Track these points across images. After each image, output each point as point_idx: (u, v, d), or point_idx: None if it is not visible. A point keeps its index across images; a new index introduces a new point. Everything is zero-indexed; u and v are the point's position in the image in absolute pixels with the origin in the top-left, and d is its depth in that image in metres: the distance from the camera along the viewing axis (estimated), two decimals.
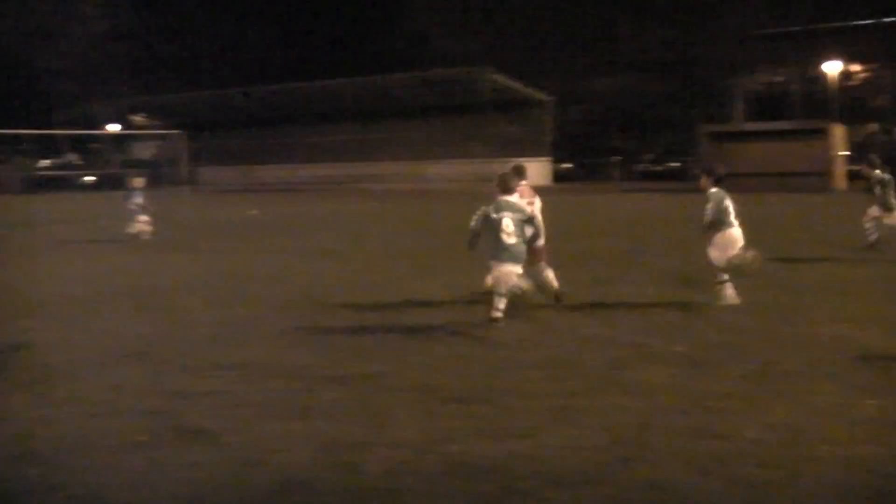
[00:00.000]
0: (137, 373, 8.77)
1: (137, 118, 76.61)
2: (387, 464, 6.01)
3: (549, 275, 11.77)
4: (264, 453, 6.28)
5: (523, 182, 12.01)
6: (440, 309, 11.81)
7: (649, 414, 6.94)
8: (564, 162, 55.28)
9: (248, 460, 6.16)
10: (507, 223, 10.63)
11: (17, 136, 64.83)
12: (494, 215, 10.76)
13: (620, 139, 64.16)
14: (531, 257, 11.19)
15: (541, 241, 11.48)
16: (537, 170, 51.21)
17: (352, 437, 6.59)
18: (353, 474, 5.86)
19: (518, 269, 10.59)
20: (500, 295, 10.45)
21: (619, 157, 55.85)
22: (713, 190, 11.61)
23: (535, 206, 11.81)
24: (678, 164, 54.06)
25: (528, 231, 10.87)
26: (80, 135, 72.20)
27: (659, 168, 55.52)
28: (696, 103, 57.62)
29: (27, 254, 20.71)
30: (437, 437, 6.53)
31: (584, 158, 57.85)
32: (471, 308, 11.78)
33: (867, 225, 17.12)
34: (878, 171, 17.02)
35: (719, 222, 11.46)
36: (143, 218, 23.38)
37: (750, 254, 11.31)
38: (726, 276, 11.45)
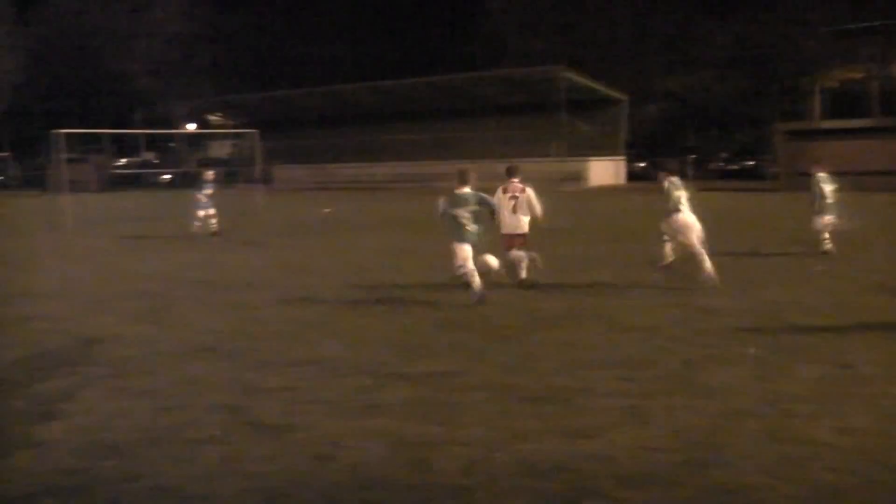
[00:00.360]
0: (211, 367, 8.87)
1: (213, 117, 77.53)
2: (458, 461, 6.01)
3: (522, 262, 13.39)
4: (336, 449, 6.32)
5: (515, 179, 13.86)
6: (515, 308, 11.78)
7: (722, 416, 6.86)
8: (639, 161, 54.81)
9: (320, 456, 6.20)
10: (462, 214, 12.20)
11: (95, 136, 65.96)
12: (450, 211, 12.33)
13: (695, 137, 63.51)
14: (515, 242, 13.39)
15: (523, 230, 13.52)
16: (611, 169, 50.90)
17: (423, 434, 6.60)
18: (424, 471, 5.87)
19: (473, 248, 12.13)
20: (470, 270, 11.94)
21: (693, 156, 55.22)
22: (666, 183, 13.47)
23: (529, 193, 13.73)
24: (753, 163, 53.32)
25: (479, 222, 12.36)
26: (157, 134, 73.28)
27: (734, 167, 54.81)
28: (772, 101, 56.77)
29: (104, 250, 21.03)
30: (508, 435, 6.51)
31: (658, 157, 57.32)
32: (546, 308, 11.76)
33: None
34: None
35: (673, 209, 13.25)
36: (210, 212, 23.76)
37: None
38: (702, 249, 13.06)
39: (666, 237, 13.70)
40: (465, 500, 5.44)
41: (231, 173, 54.62)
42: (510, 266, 13.31)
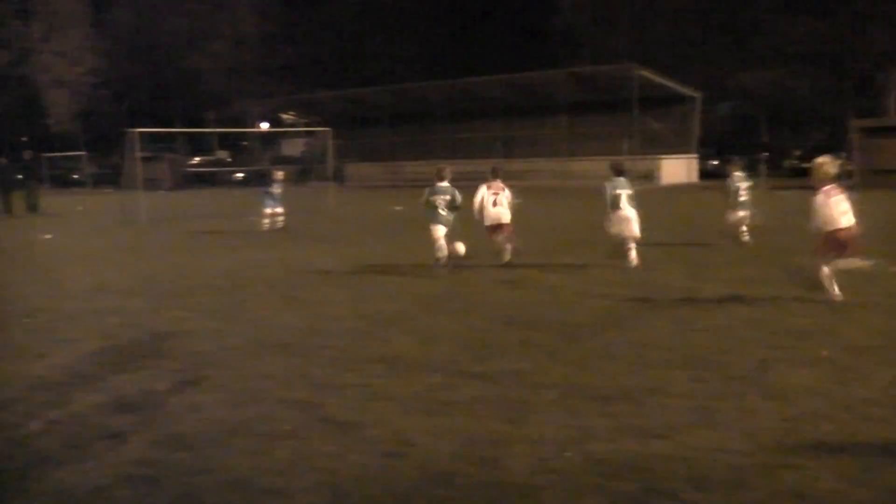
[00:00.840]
0: (284, 363, 8.93)
1: (286, 116, 78.18)
2: (528, 460, 5.97)
3: (507, 246, 16.02)
4: (407, 446, 6.32)
5: (497, 180, 16.58)
6: (586, 307, 11.73)
7: (794, 419, 6.73)
8: (711, 158, 54.12)
9: (391, 453, 6.20)
10: (439, 201, 15.50)
11: (169, 134, 66.85)
12: (430, 198, 15.64)
13: (769, 135, 62.64)
14: (498, 231, 16.04)
15: (505, 220, 16.10)
16: (683, 166, 50.39)
17: (493, 432, 6.57)
18: (493, 469, 5.84)
19: (445, 230, 15.35)
20: (440, 245, 15.18)
21: (766, 154, 54.41)
22: (608, 182, 15.95)
23: (507, 191, 16.40)
24: None
25: (454, 209, 15.56)
26: (230, 133, 74.09)
27: (808, 164, 53.54)
28: (846, 97, 55.84)
29: (177, 247, 21.30)
30: (579, 434, 6.47)
31: (731, 155, 56.51)
32: (617, 307, 11.70)
33: None
34: None
35: (614, 205, 15.54)
36: (277, 209, 24.05)
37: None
38: (631, 245, 15.22)
39: (630, 244, 15.30)
40: (534, 498, 5.40)
41: (303, 171, 55.06)
42: (497, 251, 16.10)
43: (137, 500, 5.54)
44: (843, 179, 8.02)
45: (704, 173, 51.71)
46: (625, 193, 15.74)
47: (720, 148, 55.03)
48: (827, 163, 11.78)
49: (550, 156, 51.73)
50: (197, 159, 70.00)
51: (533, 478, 5.68)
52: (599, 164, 48.95)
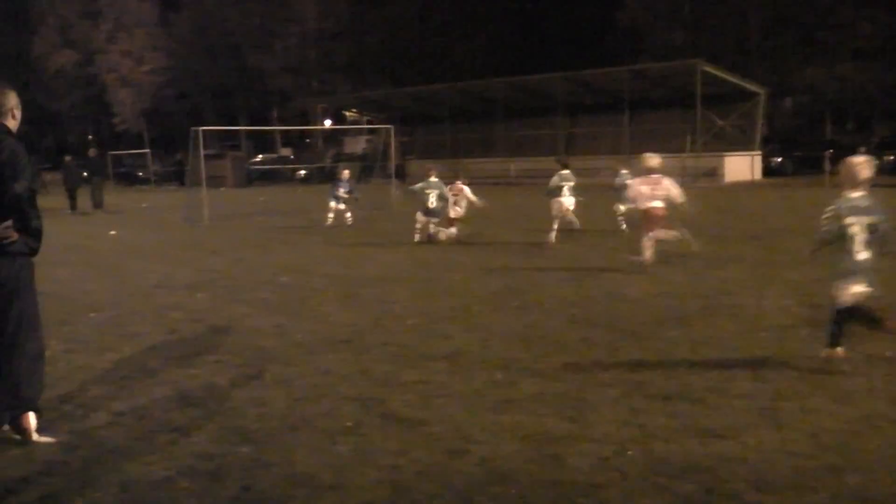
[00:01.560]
0: (346, 359, 8.96)
1: (349, 113, 78.54)
2: (588, 459, 5.95)
3: (453, 235, 20.05)
4: (468, 443, 6.31)
5: (458, 181, 21.02)
6: (644, 306, 11.66)
7: (860, 421, 6.61)
8: (775, 156, 53.31)
9: (452, 450, 6.20)
10: (431, 194, 19.86)
11: (233, 132, 67.51)
12: (427, 190, 19.99)
13: (835, 131, 61.74)
14: (450, 222, 20.27)
15: (460, 214, 20.61)
16: (746, 164, 49.75)
17: (554, 430, 6.56)
18: (554, 468, 5.82)
19: (436, 220, 20.05)
20: (421, 229, 20.07)
21: (831, 150, 53.51)
22: (556, 174, 19.45)
23: (466, 190, 20.91)
24: (894, 158, 51.43)
25: (442, 200, 20.04)
26: (293, 130, 74.64)
27: (875, 161, 52.52)
28: None
29: (240, 243, 21.48)
30: (639, 433, 6.43)
31: (795, 152, 55.68)
32: (679, 305, 11.61)
33: None
34: None
35: (553, 193, 19.32)
36: (341, 206, 24.24)
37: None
38: (555, 226, 18.85)
39: (555, 226, 18.98)
40: (596, 497, 5.36)
41: (366, 168, 55.20)
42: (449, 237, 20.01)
43: (200, 493, 5.59)
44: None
45: (768, 171, 51.02)
46: (567, 185, 19.28)
47: (785, 145, 54.31)
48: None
49: (612, 153, 51.33)
50: (260, 157, 70.56)
51: (594, 476, 5.65)
52: (662, 162, 48.46)
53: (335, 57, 74.29)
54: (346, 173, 25.71)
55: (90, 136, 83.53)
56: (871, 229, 7.89)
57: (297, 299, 12.91)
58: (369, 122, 69.52)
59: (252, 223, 25.68)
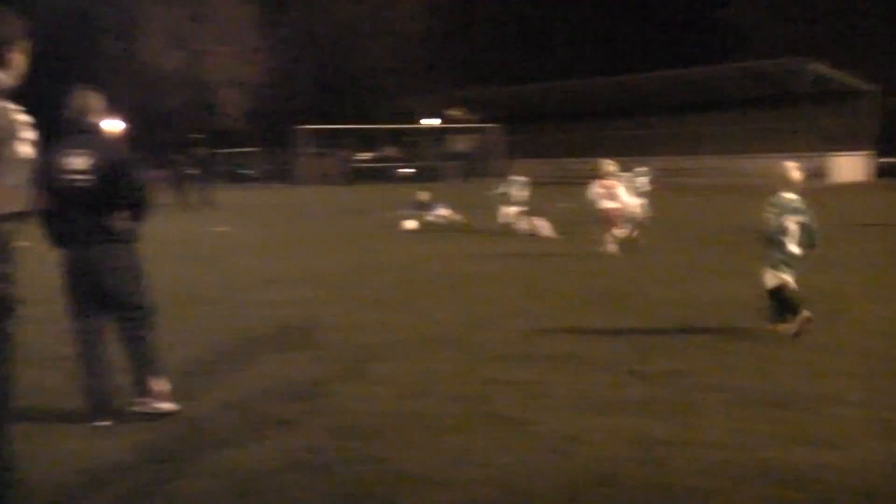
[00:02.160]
0: (451, 357, 9.01)
1: (454, 112, 78.70)
2: (695, 464, 5.89)
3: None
4: (572, 444, 6.30)
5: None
6: (752, 308, 11.44)
7: None
8: (889, 155, 51.79)
9: (557, 450, 6.20)
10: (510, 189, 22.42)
11: (339, 131, 68.15)
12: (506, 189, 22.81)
13: None
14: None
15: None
16: (857, 164, 48.57)
17: (660, 433, 6.51)
18: (660, 472, 5.78)
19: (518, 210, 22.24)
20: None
21: None
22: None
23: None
24: None
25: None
26: (398, 129, 75.05)
27: None
28: None
29: (345, 240, 21.69)
30: (747, 440, 6.34)
31: None
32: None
33: None
34: None
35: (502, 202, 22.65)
36: (443, 212, 24.32)
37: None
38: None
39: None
40: (702, 503, 5.33)
41: (471, 167, 55.28)
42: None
43: (307, 487, 5.67)
44: None
45: (882, 171, 49.67)
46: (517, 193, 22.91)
47: None
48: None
49: (719, 153, 50.57)
50: (365, 155, 71.10)
51: (700, 482, 5.59)
52: (769, 162, 47.45)
53: (440, 55, 74.48)
54: (423, 195, 25.60)
55: (197, 136, 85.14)
56: (803, 227, 9.59)
57: (403, 296, 13.01)
58: (475, 122, 69.50)
59: (357, 220, 25.87)
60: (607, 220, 17.70)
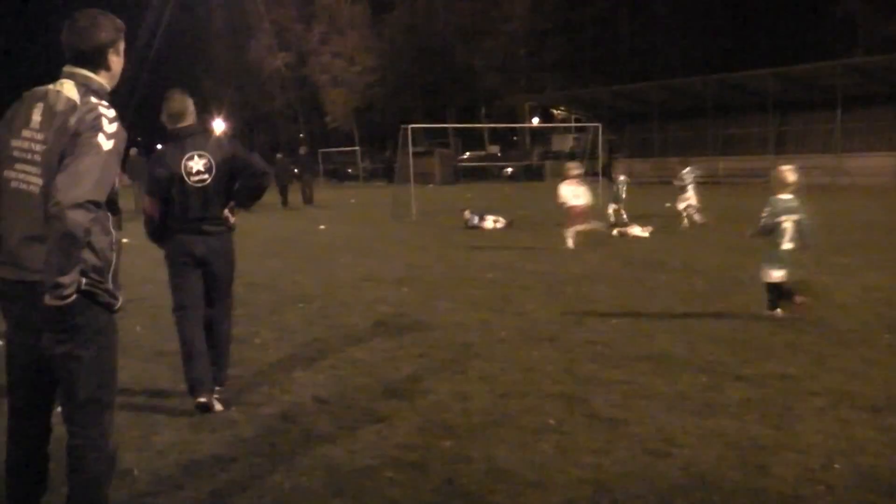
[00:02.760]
0: (549, 357, 8.98)
1: (557, 111, 78.46)
2: (794, 469, 5.78)
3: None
4: (670, 446, 6.25)
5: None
6: (854, 312, 11.18)
7: None
8: None
9: (654, 451, 6.15)
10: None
11: (441, 130, 68.40)
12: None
13: None
14: None
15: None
16: None
17: (758, 437, 6.41)
18: (758, 476, 5.69)
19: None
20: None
21: None
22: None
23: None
24: None
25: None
26: (501, 127, 75.09)
27: None
28: None
29: (446, 239, 21.75)
30: (848, 446, 6.20)
31: None
32: (888, 311, 11.10)
33: None
34: None
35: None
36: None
37: None
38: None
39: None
40: None
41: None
42: None
43: (403, 483, 5.71)
44: None
45: None
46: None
47: None
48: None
49: (823, 151, 49.33)
50: (467, 154, 71.30)
51: (799, 488, 5.49)
52: (875, 161, 46.15)
53: (544, 55, 74.19)
54: (466, 214, 25.37)
55: (301, 135, 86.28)
56: (797, 225, 10.45)
57: (502, 296, 12.98)
58: (577, 121, 69.18)
59: (459, 219, 25.92)
60: (572, 216, 19.29)
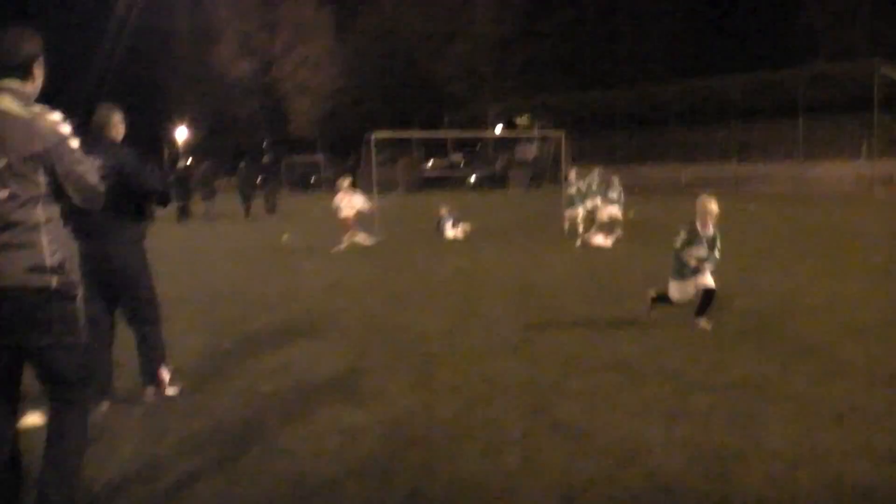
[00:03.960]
0: (514, 367, 8.98)
1: (520, 119, 78.60)
2: (759, 476, 5.82)
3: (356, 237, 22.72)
4: (636, 455, 6.26)
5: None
6: (819, 319, 11.27)
7: None
8: None
9: (620, 461, 6.16)
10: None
11: (407, 138, 68.36)
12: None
13: None
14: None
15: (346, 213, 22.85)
16: None
17: (724, 446, 6.43)
18: (724, 484, 5.72)
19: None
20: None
21: None
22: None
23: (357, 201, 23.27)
24: None
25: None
26: (463, 136, 75.12)
27: None
28: None
29: (411, 248, 21.76)
30: (812, 453, 6.24)
31: None
32: (854, 319, 11.20)
33: None
34: None
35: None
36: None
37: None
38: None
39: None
40: None
41: (536, 175, 55.09)
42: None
43: (367, 495, 5.70)
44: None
45: None
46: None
47: None
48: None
49: (786, 159, 49.65)
50: (431, 162, 71.35)
51: (762, 495, 5.53)
52: (837, 169, 46.40)
53: (509, 62, 74.31)
54: (444, 211, 25.41)
55: (265, 142, 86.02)
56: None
57: (467, 305, 12.99)
58: (541, 128, 69.31)
59: (425, 228, 25.90)
60: (345, 225, 22.51)
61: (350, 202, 22.82)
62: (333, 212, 22.65)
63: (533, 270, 16.85)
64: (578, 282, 15.27)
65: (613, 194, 23.25)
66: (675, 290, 10.94)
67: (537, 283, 15.08)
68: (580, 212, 23.31)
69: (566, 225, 23.52)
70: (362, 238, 22.77)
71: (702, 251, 10.58)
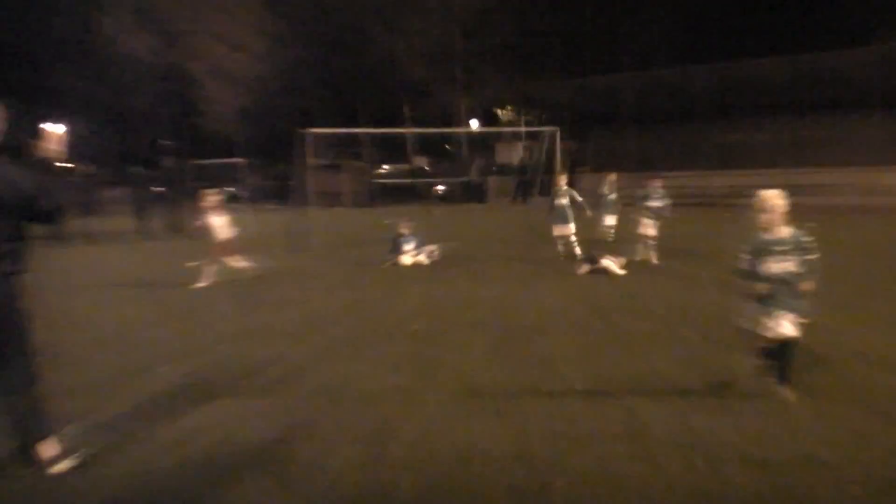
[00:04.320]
0: (494, 435, 8.91)
1: (503, 112, 78.88)
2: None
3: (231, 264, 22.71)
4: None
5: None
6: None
7: None
8: None
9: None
10: None
11: (352, 136, 68.28)
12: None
13: None
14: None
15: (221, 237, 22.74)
16: None
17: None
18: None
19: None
20: None
21: None
22: None
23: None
24: None
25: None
26: (430, 133, 75.19)
27: None
28: None
29: (360, 278, 21.74)
30: None
31: None
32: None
33: None
34: None
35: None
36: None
37: None
38: None
39: None
40: None
41: (523, 183, 55.21)
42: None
43: None
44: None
45: None
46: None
47: None
48: None
49: (852, 164, 49.82)
50: (386, 168, 71.53)
51: None
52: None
53: (486, 40, 74.29)
54: (404, 230, 25.55)
55: (167, 141, 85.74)
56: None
57: (432, 354, 12.91)
58: (528, 124, 69.62)
59: (375, 253, 25.89)
60: (221, 248, 22.64)
61: (227, 227, 23.22)
62: (209, 235, 22.71)
63: (518, 306, 16.82)
64: (579, 321, 15.22)
65: (657, 203, 23.62)
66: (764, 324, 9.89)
67: (525, 324, 15.04)
68: (572, 228, 24.11)
69: (559, 246, 23.58)
70: (239, 262, 23.21)
71: (784, 264, 9.77)
